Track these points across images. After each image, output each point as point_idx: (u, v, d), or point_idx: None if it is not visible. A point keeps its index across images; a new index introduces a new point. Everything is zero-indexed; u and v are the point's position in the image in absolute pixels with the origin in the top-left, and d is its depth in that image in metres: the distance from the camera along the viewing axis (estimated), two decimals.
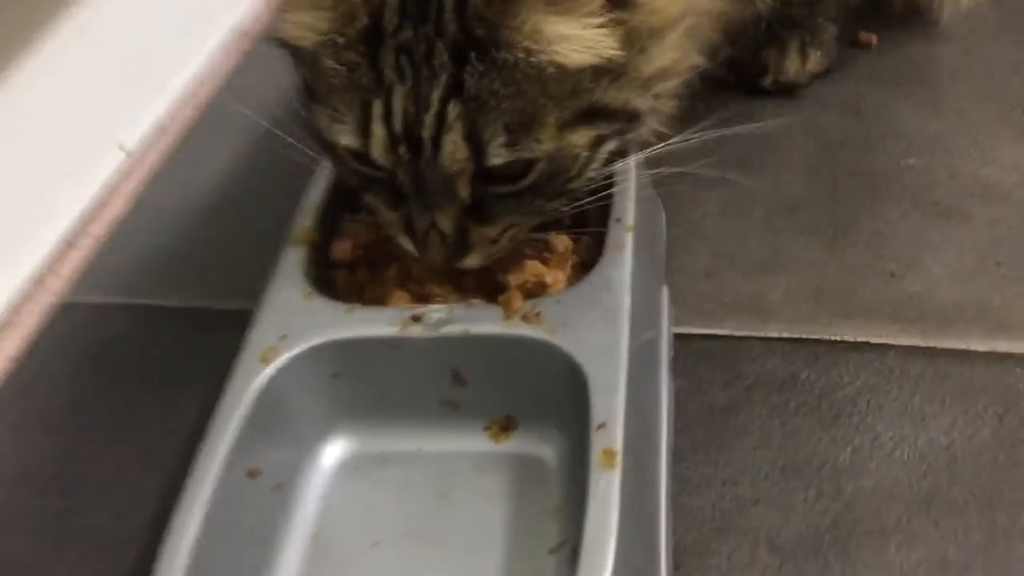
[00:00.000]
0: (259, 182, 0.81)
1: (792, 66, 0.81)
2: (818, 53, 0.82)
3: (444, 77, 0.49)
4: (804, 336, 0.62)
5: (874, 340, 0.61)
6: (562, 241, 0.61)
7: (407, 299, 0.59)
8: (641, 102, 0.55)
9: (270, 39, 0.56)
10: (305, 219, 0.62)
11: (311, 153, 0.59)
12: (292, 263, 0.60)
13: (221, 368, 0.53)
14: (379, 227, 0.63)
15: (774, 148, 0.75)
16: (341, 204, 0.65)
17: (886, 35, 0.85)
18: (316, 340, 0.55)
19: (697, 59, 0.60)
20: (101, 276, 0.75)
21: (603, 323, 0.53)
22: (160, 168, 0.84)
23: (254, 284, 0.59)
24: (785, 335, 0.62)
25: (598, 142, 0.54)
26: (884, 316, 0.62)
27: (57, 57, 0.76)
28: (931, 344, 0.60)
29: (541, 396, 0.55)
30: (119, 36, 0.83)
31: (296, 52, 0.55)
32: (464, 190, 0.53)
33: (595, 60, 0.50)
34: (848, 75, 0.82)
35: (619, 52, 0.50)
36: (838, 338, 0.61)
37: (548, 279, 0.58)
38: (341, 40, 0.51)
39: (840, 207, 0.70)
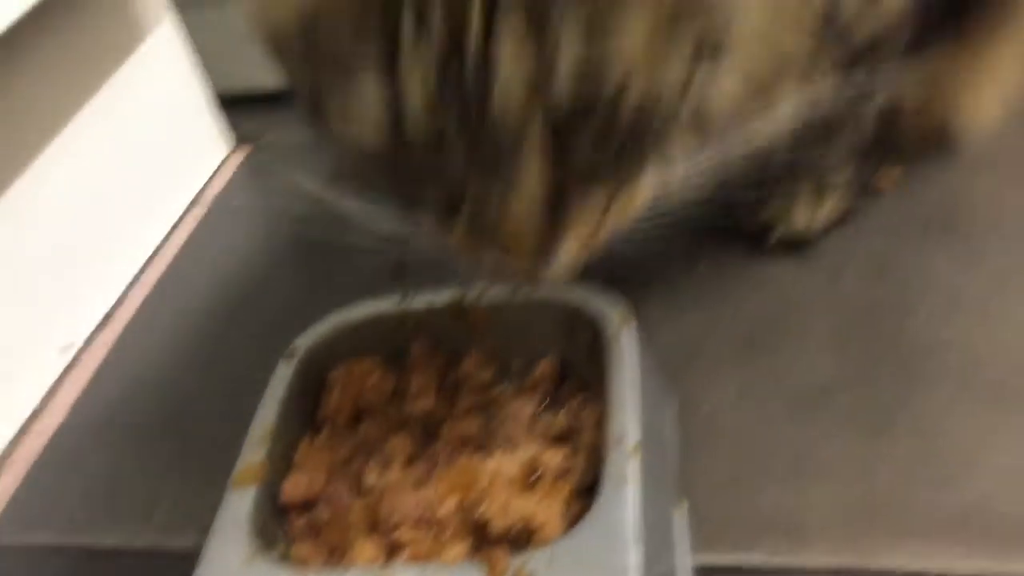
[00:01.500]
0: (217, 376, 0.71)
1: (802, 217, 0.73)
2: (832, 200, 0.73)
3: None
4: (852, 566, 0.51)
5: (933, 569, 0.51)
6: (554, 458, 0.52)
7: (373, 550, 0.49)
8: None
9: (255, 37, 0.45)
10: (253, 452, 0.53)
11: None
12: (234, 513, 0.50)
13: None
14: (343, 451, 0.55)
15: (791, 317, 0.66)
16: (299, 422, 0.56)
17: (908, 173, 0.76)
18: None
19: None
20: (27, 511, 0.65)
21: None
22: (100, 366, 0.74)
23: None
24: (832, 565, 0.52)
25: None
26: (943, 535, 0.52)
27: None
28: (1003, 570, 0.50)
29: None
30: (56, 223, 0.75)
31: (281, 43, 0.44)
32: (539, 130, 0.39)
33: None
34: (869, 225, 0.73)
35: None
36: (892, 568, 0.51)
37: (538, 519, 0.48)
38: None
39: (879, 391, 0.60)
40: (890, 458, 0.56)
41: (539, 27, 0.37)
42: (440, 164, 0.41)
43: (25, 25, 0.67)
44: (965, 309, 0.65)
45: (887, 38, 0.62)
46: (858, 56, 0.63)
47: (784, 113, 0.60)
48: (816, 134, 0.67)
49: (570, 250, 0.44)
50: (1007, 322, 0.63)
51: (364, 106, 0.40)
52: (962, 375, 0.60)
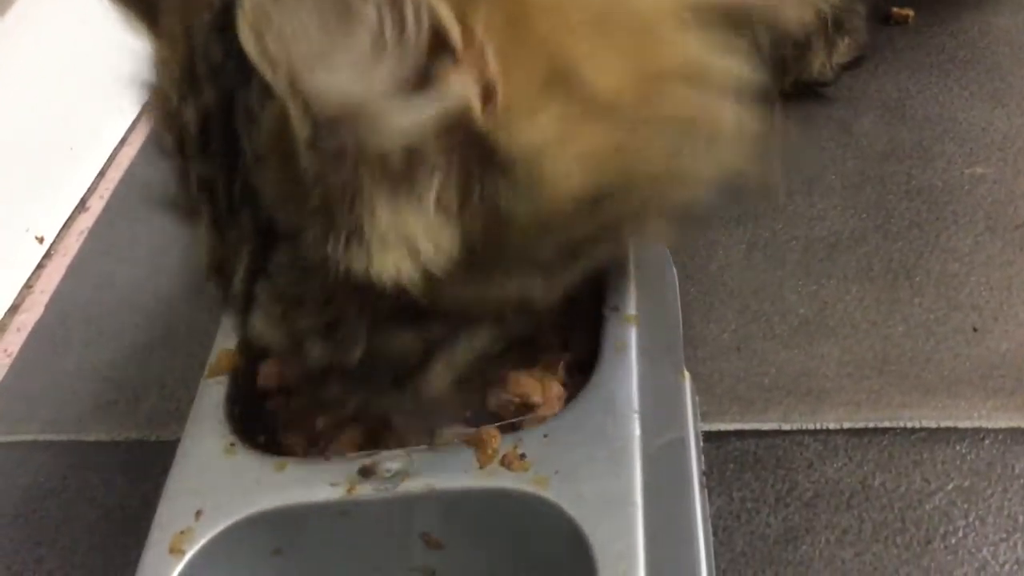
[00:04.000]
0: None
1: (816, 60, 0.67)
2: (846, 40, 0.68)
3: (247, 251, 0.37)
4: (872, 425, 0.48)
5: (963, 424, 0.47)
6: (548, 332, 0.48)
7: (358, 437, 0.46)
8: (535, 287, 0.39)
9: None
10: (227, 340, 0.50)
11: None
12: (210, 403, 0.47)
13: None
14: None
15: (803, 167, 0.61)
16: None
17: (926, 6, 0.70)
18: (241, 513, 0.43)
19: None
20: (14, 407, 0.62)
21: (607, 465, 0.40)
22: (79, 257, 0.71)
23: None
24: (847, 425, 0.48)
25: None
26: (971, 389, 0.49)
27: None
28: None
29: (541, 556, 0.42)
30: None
31: None
32: None
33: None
34: (885, 64, 0.68)
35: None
36: (916, 424, 0.48)
37: (536, 396, 0.45)
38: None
39: (896, 240, 0.56)
40: (911, 310, 0.52)
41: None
42: None
43: None
44: (990, 148, 0.60)
45: None
46: None
47: None
48: None
49: None
50: None
51: None
52: (988, 218, 0.56)
